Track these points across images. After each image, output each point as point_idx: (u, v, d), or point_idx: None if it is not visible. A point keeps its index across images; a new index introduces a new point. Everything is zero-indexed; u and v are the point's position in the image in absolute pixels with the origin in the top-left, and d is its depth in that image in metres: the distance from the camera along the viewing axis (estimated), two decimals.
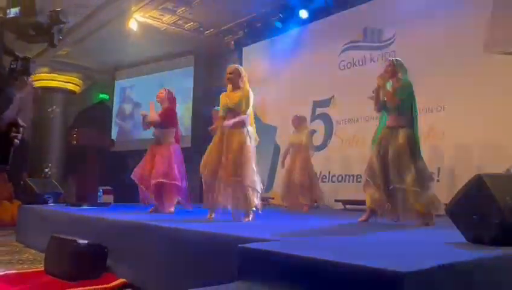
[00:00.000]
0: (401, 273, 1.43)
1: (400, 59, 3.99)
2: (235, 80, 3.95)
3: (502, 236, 2.13)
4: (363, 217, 3.93)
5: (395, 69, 3.87)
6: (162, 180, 4.89)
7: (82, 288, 3.15)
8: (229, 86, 4.02)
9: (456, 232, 2.35)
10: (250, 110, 3.97)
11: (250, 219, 3.79)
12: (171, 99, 5.26)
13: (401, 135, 3.71)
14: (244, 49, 8.94)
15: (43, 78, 11.43)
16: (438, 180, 5.48)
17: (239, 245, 2.06)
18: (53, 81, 11.48)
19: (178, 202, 5.17)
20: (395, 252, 2.05)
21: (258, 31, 8.50)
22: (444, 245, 2.22)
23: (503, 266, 1.93)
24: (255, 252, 1.99)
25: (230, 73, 3.97)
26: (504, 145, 4.98)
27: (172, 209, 5.03)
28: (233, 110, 3.89)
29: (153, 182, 4.87)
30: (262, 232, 2.73)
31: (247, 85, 4.01)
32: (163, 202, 4.97)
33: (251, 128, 3.98)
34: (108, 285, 3.25)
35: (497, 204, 2.15)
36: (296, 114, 6.23)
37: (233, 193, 3.82)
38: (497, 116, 5.08)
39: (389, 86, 3.91)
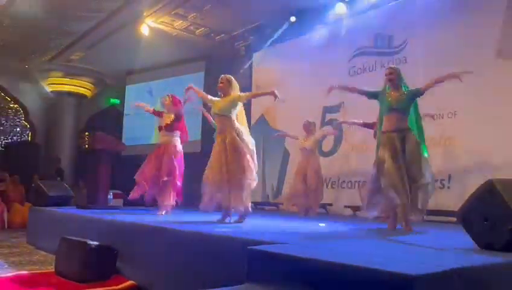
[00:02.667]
0: (411, 276, 1.43)
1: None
2: (225, 89, 4.21)
3: None
4: (390, 225, 3.77)
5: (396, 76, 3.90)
6: (166, 179, 5.06)
7: (91, 289, 3.17)
8: (221, 94, 4.26)
9: (467, 237, 2.33)
10: (235, 112, 4.17)
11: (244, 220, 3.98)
12: (177, 103, 5.35)
13: (411, 137, 3.74)
14: (255, 54, 8.97)
15: (56, 82, 11.60)
16: (448, 187, 5.45)
17: (248, 247, 2.07)
18: (66, 86, 11.64)
19: (176, 203, 5.27)
20: (405, 256, 2.04)
21: (268, 36, 8.52)
22: (454, 250, 2.20)
23: None
24: (264, 255, 1.99)
25: (221, 82, 4.24)
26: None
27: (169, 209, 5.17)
28: (220, 115, 4.15)
29: (161, 180, 5.05)
30: (271, 235, 2.73)
31: (236, 91, 4.23)
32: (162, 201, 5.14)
33: (242, 129, 4.15)
34: (118, 287, 3.27)
35: (509, 210, 2.13)
36: (306, 119, 6.23)
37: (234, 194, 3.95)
38: (509, 123, 5.03)
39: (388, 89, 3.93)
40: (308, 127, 6.15)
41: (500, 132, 5.08)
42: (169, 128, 5.29)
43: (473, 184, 2.34)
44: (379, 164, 3.75)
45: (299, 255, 1.85)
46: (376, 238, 3.22)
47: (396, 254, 2.13)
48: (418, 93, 3.81)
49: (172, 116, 5.29)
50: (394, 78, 3.87)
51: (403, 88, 3.88)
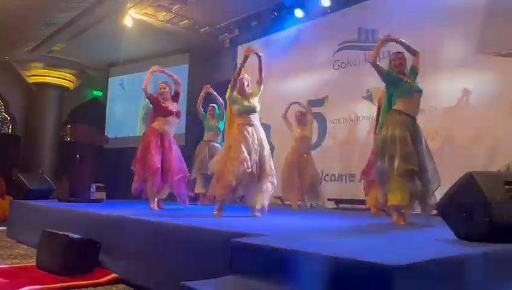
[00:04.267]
0: (391, 266, 1.45)
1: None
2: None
3: (491, 233, 2.15)
4: (402, 221, 3.50)
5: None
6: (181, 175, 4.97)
7: (74, 283, 3.14)
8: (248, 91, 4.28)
9: (447, 229, 2.37)
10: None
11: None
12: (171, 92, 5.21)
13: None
14: (239, 47, 8.93)
15: (37, 74, 11.38)
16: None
17: (231, 239, 2.07)
18: (47, 77, 11.42)
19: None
20: (386, 247, 2.07)
21: (253, 29, 8.50)
22: (434, 241, 2.24)
23: (491, 262, 1.96)
24: (247, 246, 2.00)
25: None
26: (497, 145, 5.04)
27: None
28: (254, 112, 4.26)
29: (177, 177, 4.92)
30: (254, 227, 2.75)
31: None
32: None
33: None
34: (100, 280, 3.25)
35: (487, 202, 2.17)
36: (299, 110, 6.16)
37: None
38: (489, 117, 5.13)
39: None
40: (302, 118, 6.07)
41: (481, 126, 5.19)
42: (180, 115, 5.14)
43: (455, 178, 2.38)
44: (391, 142, 3.46)
45: (281, 247, 1.86)
46: (359, 230, 3.26)
47: (377, 245, 2.16)
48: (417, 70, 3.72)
49: (174, 105, 5.12)
50: (403, 64, 3.71)
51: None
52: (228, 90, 4.20)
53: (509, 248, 2.07)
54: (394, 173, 3.38)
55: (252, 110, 4.12)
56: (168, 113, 5.01)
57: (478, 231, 2.18)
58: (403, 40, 3.76)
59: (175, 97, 5.18)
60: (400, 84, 3.61)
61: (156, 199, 4.90)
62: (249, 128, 4.01)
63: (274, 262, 1.84)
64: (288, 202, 6.36)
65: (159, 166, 4.81)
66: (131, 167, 5.00)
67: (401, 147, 3.41)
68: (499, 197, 2.20)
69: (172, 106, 5.08)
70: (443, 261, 1.66)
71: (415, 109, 3.64)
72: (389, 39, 3.81)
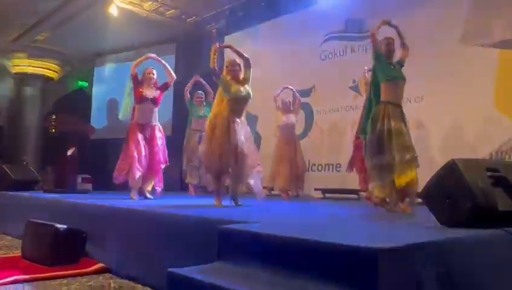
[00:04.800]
0: (375, 249, 1.48)
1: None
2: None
3: (474, 219, 2.20)
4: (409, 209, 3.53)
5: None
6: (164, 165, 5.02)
7: (60, 273, 3.13)
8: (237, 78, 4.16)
9: (431, 216, 2.42)
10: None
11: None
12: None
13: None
14: (226, 37, 8.87)
15: (21, 64, 11.19)
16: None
17: (218, 226, 2.08)
18: (30, 67, 11.23)
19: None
20: (371, 232, 2.11)
21: (240, 20, 8.46)
22: (417, 227, 2.28)
23: (473, 246, 2.00)
24: (234, 233, 2.01)
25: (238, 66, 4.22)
26: (481, 134, 5.12)
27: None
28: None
29: (159, 166, 4.97)
30: (241, 215, 2.76)
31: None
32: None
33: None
34: (87, 269, 3.24)
35: (469, 188, 2.21)
36: (283, 99, 6.17)
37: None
38: (474, 106, 5.21)
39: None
40: (288, 107, 6.09)
41: (467, 114, 5.27)
42: (156, 103, 5.08)
43: (439, 166, 2.42)
44: (387, 133, 3.50)
45: (268, 233, 1.88)
46: (346, 217, 3.30)
47: (362, 231, 2.19)
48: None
49: (154, 91, 5.07)
50: (392, 50, 3.79)
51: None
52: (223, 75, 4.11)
53: (491, 232, 2.12)
54: (397, 164, 3.43)
55: (246, 97, 4.07)
56: (142, 99, 4.98)
57: (460, 216, 2.22)
58: (401, 31, 3.84)
59: (162, 87, 5.15)
60: (388, 67, 3.71)
61: (137, 189, 4.92)
62: (237, 119, 3.98)
63: (261, 248, 1.86)
64: (275, 192, 6.39)
65: (136, 156, 4.79)
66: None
67: (400, 138, 3.48)
68: (480, 183, 2.24)
69: (150, 93, 5.02)
70: (425, 245, 1.70)
71: (400, 97, 3.71)
72: (391, 25, 3.87)
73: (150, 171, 4.95)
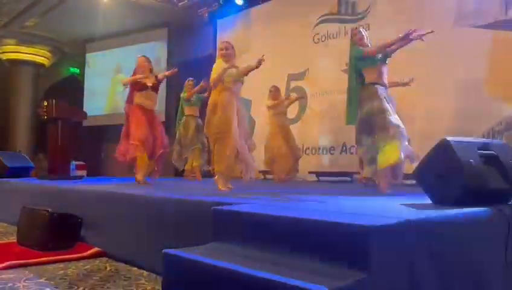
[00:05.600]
0: (366, 227, 1.50)
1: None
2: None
3: (465, 197, 2.22)
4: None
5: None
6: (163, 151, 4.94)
7: (56, 257, 3.14)
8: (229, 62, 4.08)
9: (424, 195, 2.44)
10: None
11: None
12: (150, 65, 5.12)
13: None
14: (219, 21, 8.82)
15: (10, 51, 11.07)
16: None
17: (212, 207, 2.10)
18: (20, 54, 11.12)
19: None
20: (363, 211, 2.13)
21: (232, 3, 8.38)
22: (409, 206, 2.30)
23: (464, 224, 2.03)
24: (228, 214, 2.03)
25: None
26: (472, 116, 5.15)
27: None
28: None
29: (161, 151, 4.90)
30: (239, 197, 2.77)
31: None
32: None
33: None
34: (83, 254, 3.26)
35: (461, 166, 2.23)
36: (273, 85, 6.15)
37: None
38: (465, 87, 5.23)
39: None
40: (276, 94, 6.07)
41: (458, 95, 5.28)
42: (156, 89, 5.02)
43: (430, 148, 2.44)
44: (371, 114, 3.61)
45: (262, 213, 1.89)
46: (337, 197, 3.32)
47: (354, 210, 2.21)
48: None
49: (151, 78, 4.99)
50: (363, 38, 3.89)
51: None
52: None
53: (482, 210, 2.15)
54: (380, 144, 3.51)
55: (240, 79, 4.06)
56: (143, 87, 4.90)
57: (452, 195, 2.25)
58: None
59: (159, 78, 5.09)
60: (365, 59, 3.77)
61: (144, 173, 4.81)
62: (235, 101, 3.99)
63: (255, 228, 1.88)
64: (270, 176, 6.41)
65: (143, 138, 4.72)
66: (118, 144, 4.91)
67: (381, 117, 3.53)
68: (472, 161, 2.26)
69: (149, 80, 4.96)
70: (416, 223, 1.72)
71: (383, 77, 3.77)
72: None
73: (152, 155, 4.88)
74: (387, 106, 3.60)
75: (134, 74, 4.99)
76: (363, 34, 3.93)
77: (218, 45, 4.23)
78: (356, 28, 4.03)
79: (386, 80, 3.82)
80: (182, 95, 6.42)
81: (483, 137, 4.88)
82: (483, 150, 2.39)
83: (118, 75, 10.11)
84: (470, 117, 5.19)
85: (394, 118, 3.55)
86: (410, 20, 5.79)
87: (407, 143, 3.58)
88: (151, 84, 4.92)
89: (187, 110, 6.36)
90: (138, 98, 4.89)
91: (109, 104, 10.81)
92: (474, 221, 2.09)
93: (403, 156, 3.45)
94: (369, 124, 3.62)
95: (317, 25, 7.19)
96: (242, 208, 2.06)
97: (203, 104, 5.35)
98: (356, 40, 3.93)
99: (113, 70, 10.46)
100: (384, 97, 3.66)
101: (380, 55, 3.78)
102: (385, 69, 3.82)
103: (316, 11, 7.16)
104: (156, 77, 5.07)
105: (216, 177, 3.82)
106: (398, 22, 5.88)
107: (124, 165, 5.20)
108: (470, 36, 5.29)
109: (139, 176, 4.77)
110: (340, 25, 6.85)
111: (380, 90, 3.69)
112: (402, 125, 3.54)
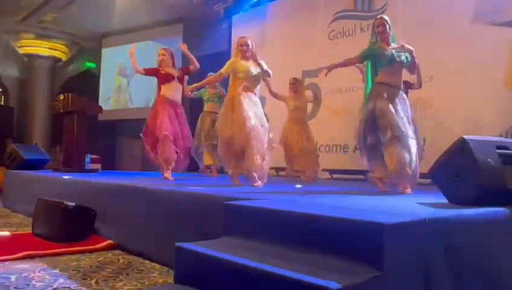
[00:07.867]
0: (381, 224, 1.47)
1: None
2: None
3: (482, 197, 2.18)
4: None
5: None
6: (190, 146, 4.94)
7: (70, 249, 3.18)
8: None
9: (440, 194, 2.40)
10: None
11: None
12: (172, 58, 5.01)
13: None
14: (234, 17, 8.81)
15: (28, 45, 11.21)
16: (423, 150, 5.56)
17: (224, 202, 2.09)
18: (38, 48, 11.25)
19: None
20: (378, 208, 2.10)
21: None
22: (425, 204, 2.27)
23: (480, 224, 1.99)
24: (239, 208, 2.02)
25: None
26: (490, 115, 5.05)
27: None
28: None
29: (187, 146, 4.86)
30: (251, 193, 2.76)
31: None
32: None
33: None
34: (96, 246, 3.29)
35: (479, 166, 2.19)
36: (293, 77, 5.92)
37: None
38: (484, 87, 5.13)
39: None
40: (297, 86, 5.85)
41: (476, 95, 5.19)
42: (181, 81, 4.92)
43: (448, 146, 2.39)
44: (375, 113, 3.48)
45: (272, 208, 1.88)
46: (351, 195, 3.29)
47: (370, 207, 2.19)
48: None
49: (176, 70, 4.90)
50: (385, 32, 3.64)
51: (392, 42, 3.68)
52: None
53: (499, 210, 2.11)
54: (385, 144, 3.41)
55: (257, 76, 4.04)
56: (169, 78, 4.79)
57: (469, 194, 2.21)
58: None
59: (183, 70, 5.01)
60: (381, 55, 3.60)
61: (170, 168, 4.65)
62: (252, 97, 3.98)
63: (266, 223, 1.86)
64: (282, 173, 6.36)
65: (168, 133, 4.58)
66: (142, 136, 4.77)
67: (383, 118, 3.43)
68: (491, 161, 2.22)
69: (173, 71, 4.87)
70: (430, 221, 1.69)
71: (397, 78, 3.62)
72: None
73: (181, 149, 4.74)
74: (390, 108, 3.45)
75: (155, 69, 4.88)
76: (387, 26, 3.65)
77: (238, 40, 4.18)
78: (381, 17, 3.72)
79: (399, 81, 3.65)
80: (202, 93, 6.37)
81: (502, 136, 4.78)
82: (502, 149, 2.34)
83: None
84: (487, 116, 5.10)
85: (396, 121, 3.41)
86: (426, 16, 5.72)
87: (415, 142, 3.50)
88: (177, 76, 4.83)
89: (206, 107, 6.30)
90: (163, 91, 4.80)
91: (123, 98, 10.90)
92: (492, 221, 2.06)
93: (400, 161, 3.35)
94: (373, 124, 3.50)
95: (332, 21, 7.12)
96: (252, 203, 2.05)
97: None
98: (378, 32, 3.67)
99: (128, 65, 10.53)
100: (392, 98, 3.51)
101: (390, 54, 3.60)
102: (400, 69, 3.65)
103: (332, 7, 7.09)
104: (184, 68, 4.99)
105: (247, 173, 3.80)
106: (415, 19, 5.80)
107: (137, 160, 5.21)
108: (488, 34, 5.19)
109: (167, 174, 4.61)
110: (355, 21, 6.78)
111: (388, 90, 3.54)
112: (404, 129, 3.40)
